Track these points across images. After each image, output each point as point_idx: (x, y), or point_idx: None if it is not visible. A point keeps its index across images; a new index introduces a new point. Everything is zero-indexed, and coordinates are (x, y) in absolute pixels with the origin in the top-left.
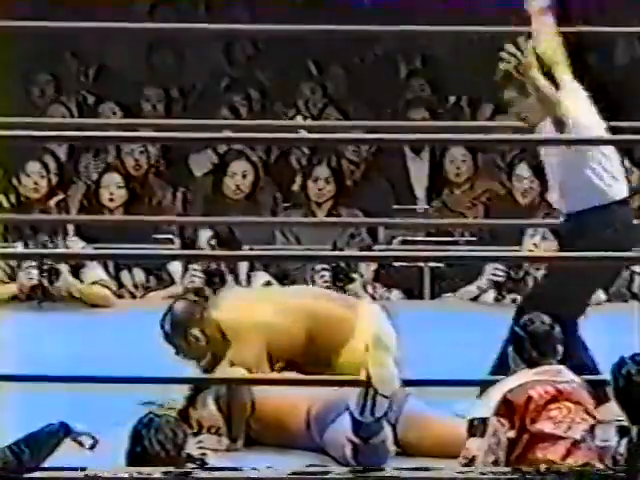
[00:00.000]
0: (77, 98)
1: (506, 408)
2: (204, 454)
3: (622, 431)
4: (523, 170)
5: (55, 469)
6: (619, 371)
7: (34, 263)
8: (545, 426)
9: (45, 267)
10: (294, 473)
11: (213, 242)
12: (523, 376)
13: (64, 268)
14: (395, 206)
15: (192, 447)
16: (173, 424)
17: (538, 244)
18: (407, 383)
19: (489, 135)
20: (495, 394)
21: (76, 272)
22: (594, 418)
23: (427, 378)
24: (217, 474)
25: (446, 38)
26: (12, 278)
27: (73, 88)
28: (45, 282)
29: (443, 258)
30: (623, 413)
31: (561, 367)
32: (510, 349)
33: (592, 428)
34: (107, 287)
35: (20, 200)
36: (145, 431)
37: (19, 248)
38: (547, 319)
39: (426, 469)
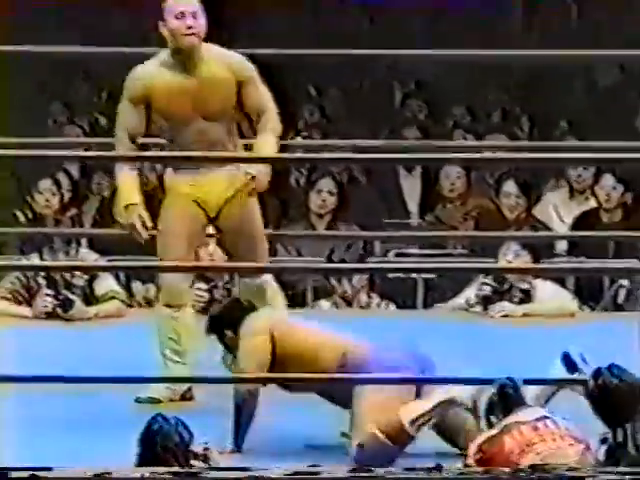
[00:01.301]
0: (90, 120)
1: (482, 457)
2: (207, 449)
3: (602, 440)
4: (510, 187)
5: (64, 468)
6: (595, 380)
7: (50, 291)
8: (526, 461)
9: (60, 297)
10: (296, 473)
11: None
12: (499, 425)
13: (77, 298)
14: (389, 220)
15: (196, 445)
16: (180, 426)
17: (512, 261)
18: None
19: (475, 154)
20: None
21: (90, 283)
22: (585, 445)
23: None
24: (224, 474)
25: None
26: (27, 289)
27: (85, 110)
28: (59, 310)
29: (435, 270)
30: (599, 418)
31: (537, 408)
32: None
33: (584, 451)
34: (118, 299)
35: (35, 216)
36: (157, 438)
37: (35, 260)
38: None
39: (416, 469)
